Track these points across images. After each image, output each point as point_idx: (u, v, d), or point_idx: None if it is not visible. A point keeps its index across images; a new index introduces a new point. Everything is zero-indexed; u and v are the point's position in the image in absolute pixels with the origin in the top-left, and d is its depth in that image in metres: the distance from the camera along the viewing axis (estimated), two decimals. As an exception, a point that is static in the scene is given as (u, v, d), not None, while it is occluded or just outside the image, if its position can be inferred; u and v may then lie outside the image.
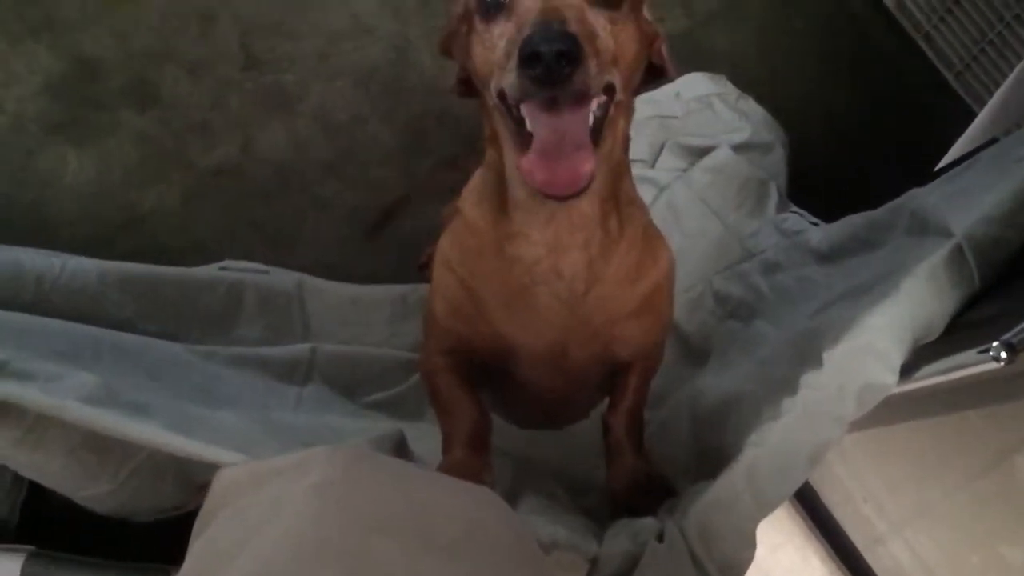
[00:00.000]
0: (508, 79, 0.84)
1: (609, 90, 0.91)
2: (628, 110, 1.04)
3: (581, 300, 1.07)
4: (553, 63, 0.78)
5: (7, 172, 1.99)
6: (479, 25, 0.94)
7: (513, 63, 0.82)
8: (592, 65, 0.82)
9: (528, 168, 0.89)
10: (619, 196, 1.06)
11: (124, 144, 2.05)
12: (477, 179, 1.14)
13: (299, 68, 2.17)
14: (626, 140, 1.06)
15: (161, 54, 2.12)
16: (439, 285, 1.18)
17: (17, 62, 2.07)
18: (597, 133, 0.92)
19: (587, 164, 0.88)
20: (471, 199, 1.13)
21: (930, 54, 2.22)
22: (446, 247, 1.18)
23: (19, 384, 0.90)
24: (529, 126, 0.89)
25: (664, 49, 1.04)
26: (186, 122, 2.09)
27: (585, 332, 1.10)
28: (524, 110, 0.89)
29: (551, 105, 0.87)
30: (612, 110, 0.94)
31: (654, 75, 1.07)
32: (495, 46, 0.91)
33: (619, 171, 1.06)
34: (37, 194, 1.98)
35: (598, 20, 0.89)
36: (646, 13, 1.02)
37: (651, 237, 1.15)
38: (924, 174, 1.36)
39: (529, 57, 0.79)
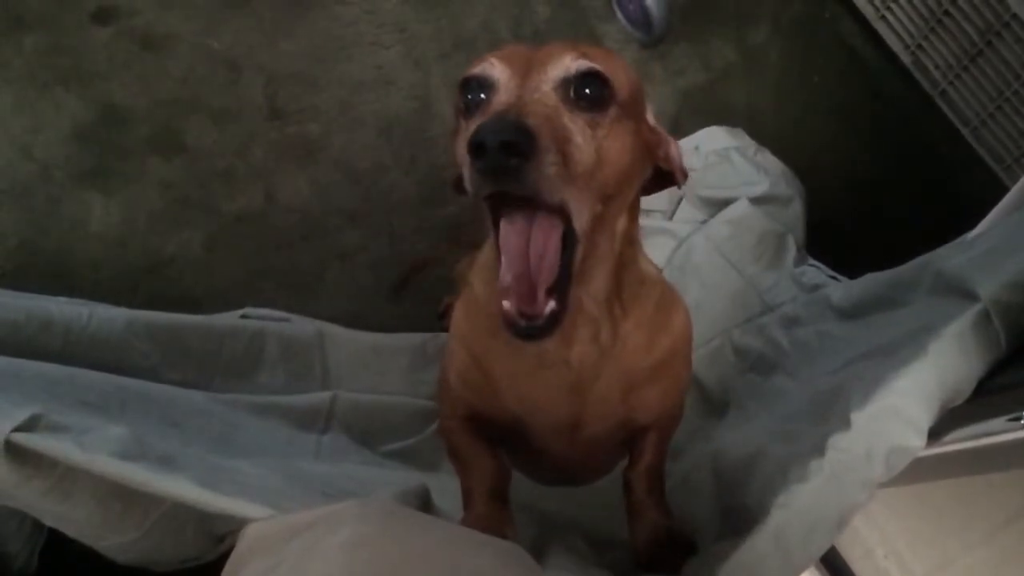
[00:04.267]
0: (466, 173, 0.79)
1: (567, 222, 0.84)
2: (635, 209, 1.01)
3: (592, 384, 1.06)
4: (498, 154, 0.73)
5: (33, 218, 2.02)
6: (462, 124, 0.90)
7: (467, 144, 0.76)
8: (548, 162, 0.76)
9: (502, 293, 0.85)
10: (623, 285, 1.02)
11: (149, 191, 2.08)
12: (488, 254, 1.10)
13: (322, 118, 2.20)
14: (629, 235, 1.01)
15: (187, 103, 2.16)
16: (453, 356, 1.17)
17: (45, 109, 2.11)
18: (568, 264, 0.86)
19: (548, 303, 0.84)
20: (482, 276, 1.10)
21: (946, 110, 2.23)
22: (459, 319, 1.16)
23: (53, 437, 0.90)
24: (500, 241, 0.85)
25: (674, 154, 0.99)
26: (211, 170, 2.12)
27: (599, 410, 1.09)
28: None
29: (522, 219, 0.83)
30: (581, 240, 0.87)
31: (665, 180, 1.02)
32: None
33: (622, 264, 1.01)
34: (62, 240, 2.01)
35: (576, 123, 0.83)
36: (651, 119, 0.97)
37: (664, 305, 1.11)
38: (940, 228, 1.37)
39: (475, 147, 0.74)
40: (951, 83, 2.17)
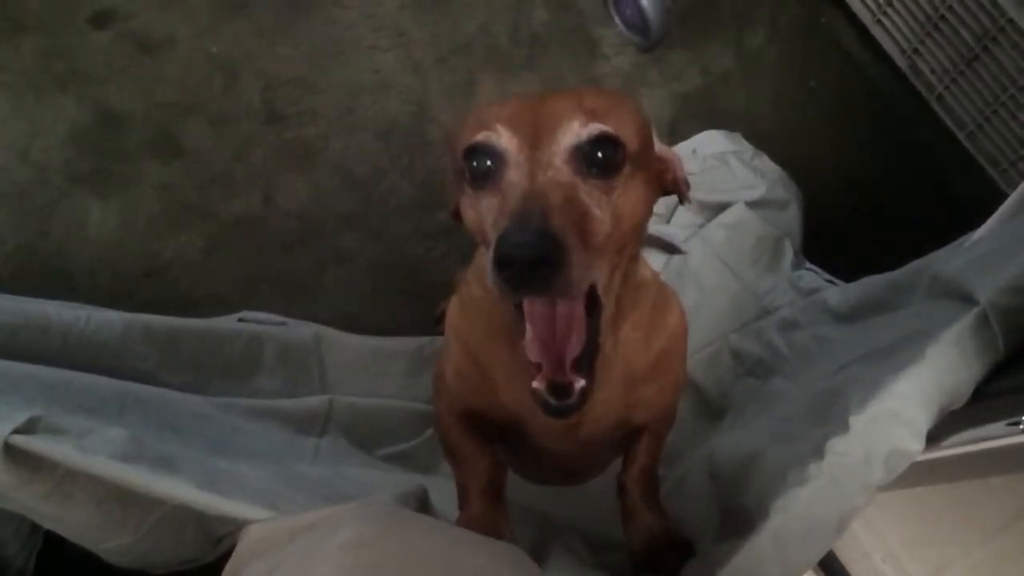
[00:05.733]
0: (488, 273, 0.74)
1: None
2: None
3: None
4: (527, 270, 0.71)
5: (31, 222, 2.01)
6: (468, 189, 0.87)
7: (492, 254, 0.73)
8: (576, 263, 0.73)
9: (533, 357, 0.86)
10: (623, 296, 1.00)
11: (147, 195, 2.08)
12: (484, 255, 1.06)
13: (320, 122, 2.21)
14: (632, 252, 0.98)
15: (185, 107, 2.16)
16: (450, 353, 1.17)
17: (43, 113, 2.11)
18: (595, 331, 0.88)
19: (578, 380, 0.85)
20: (479, 275, 1.09)
21: (943, 114, 2.24)
22: (456, 318, 1.15)
23: (53, 439, 0.90)
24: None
25: (680, 175, 0.98)
26: (208, 174, 2.12)
27: (599, 412, 1.08)
28: None
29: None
30: (605, 304, 0.89)
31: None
32: (483, 218, 0.84)
33: (624, 278, 0.98)
34: (60, 244, 2.01)
35: (592, 194, 0.81)
36: (657, 145, 0.95)
37: (659, 304, 1.10)
38: (937, 231, 1.37)
39: (502, 260, 0.71)
40: (947, 87, 2.18)
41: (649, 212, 0.92)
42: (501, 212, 0.79)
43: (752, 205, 1.97)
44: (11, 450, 0.89)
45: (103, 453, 0.91)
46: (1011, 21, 1.89)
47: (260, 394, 1.60)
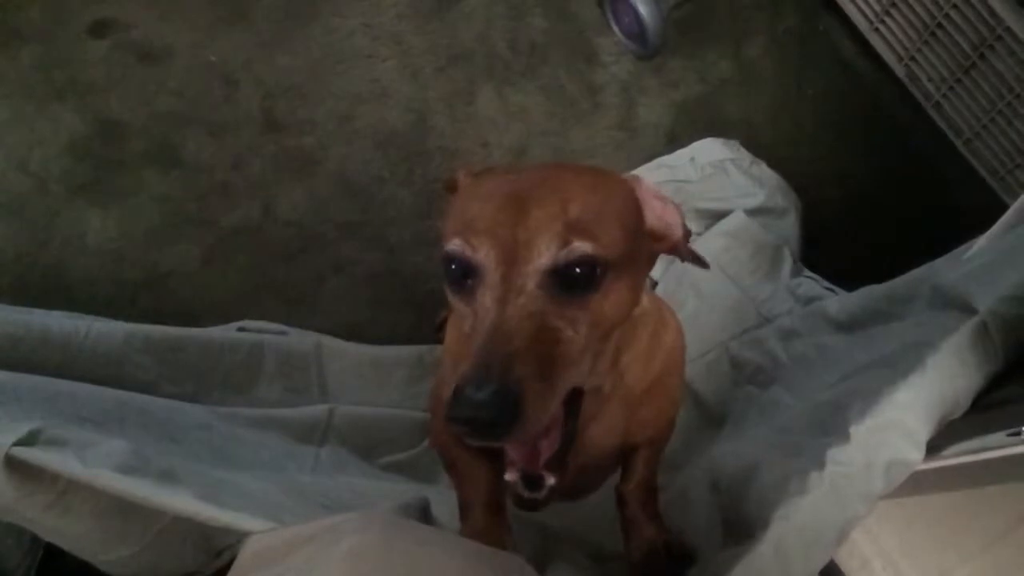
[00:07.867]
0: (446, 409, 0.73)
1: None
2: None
3: (590, 421, 1.04)
4: (479, 430, 0.71)
5: (30, 232, 2.02)
6: (448, 290, 0.85)
7: (447, 406, 0.73)
8: (532, 415, 0.72)
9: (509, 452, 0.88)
10: (620, 336, 0.97)
11: (146, 205, 2.08)
12: None
13: (319, 131, 2.21)
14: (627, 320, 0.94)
15: (184, 117, 2.17)
16: (446, 375, 1.16)
17: (42, 123, 2.11)
18: (573, 421, 0.88)
19: (549, 477, 0.87)
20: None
21: (940, 122, 2.24)
22: (453, 340, 1.15)
23: (56, 452, 0.90)
24: None
25: (678, 234, 0.95)
26: (208, 183, 2.13)
27: (597, 440, 1.08)
28: None
29: None
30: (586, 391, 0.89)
31: None
32: (461, 324, 0.84)
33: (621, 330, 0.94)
34: (59, 254, 2.01)
35: (567, 312, 0.79)
36: (652, 213, 0.92)
37: (656, 329, 1.09)
38: (935, 239, 1.37)
39: (455, 419, 0.72)
40: (945, 95, 2.18)
41: (635, 302, 0.90)
42: (469, 341, 0.78)
43: (751, 213, 1.98)
44: (13, 462, 0.89)
45: (105, 465, 0.92)
46: (1008, 29, 1.89)
47: (261, 403, 1.61)
